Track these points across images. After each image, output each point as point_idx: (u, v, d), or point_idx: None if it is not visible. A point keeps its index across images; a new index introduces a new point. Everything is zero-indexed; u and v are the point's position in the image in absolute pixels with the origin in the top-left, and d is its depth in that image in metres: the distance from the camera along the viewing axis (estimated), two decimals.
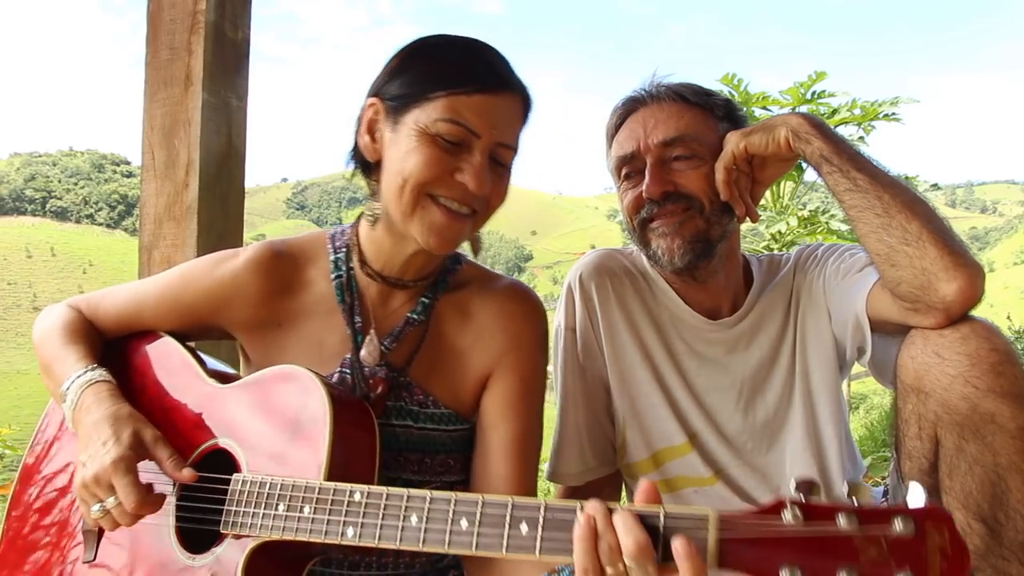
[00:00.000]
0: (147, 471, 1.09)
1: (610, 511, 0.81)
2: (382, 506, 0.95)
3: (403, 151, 1.12)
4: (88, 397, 1.15)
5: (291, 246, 1.32)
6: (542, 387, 1.29)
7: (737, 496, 1.48)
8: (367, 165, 1.21)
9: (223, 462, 1.12)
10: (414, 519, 0.92)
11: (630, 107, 1.50)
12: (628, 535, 0.78)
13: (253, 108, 2.00)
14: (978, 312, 1.16)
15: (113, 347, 1.32)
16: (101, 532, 1.18)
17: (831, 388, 1.44)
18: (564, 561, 0.84)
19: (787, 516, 0.74)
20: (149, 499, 1.05)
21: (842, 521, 0.72)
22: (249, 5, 2.01)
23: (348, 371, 1.22)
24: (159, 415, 1.19)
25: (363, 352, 1.22)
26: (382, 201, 1.19)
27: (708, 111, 1.46)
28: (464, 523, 0.89)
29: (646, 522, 0.80)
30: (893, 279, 1.16)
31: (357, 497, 0.97)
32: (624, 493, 1.69)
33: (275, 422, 1.10)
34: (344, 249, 1.29)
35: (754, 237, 4.84)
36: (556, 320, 1.62)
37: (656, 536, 0.79)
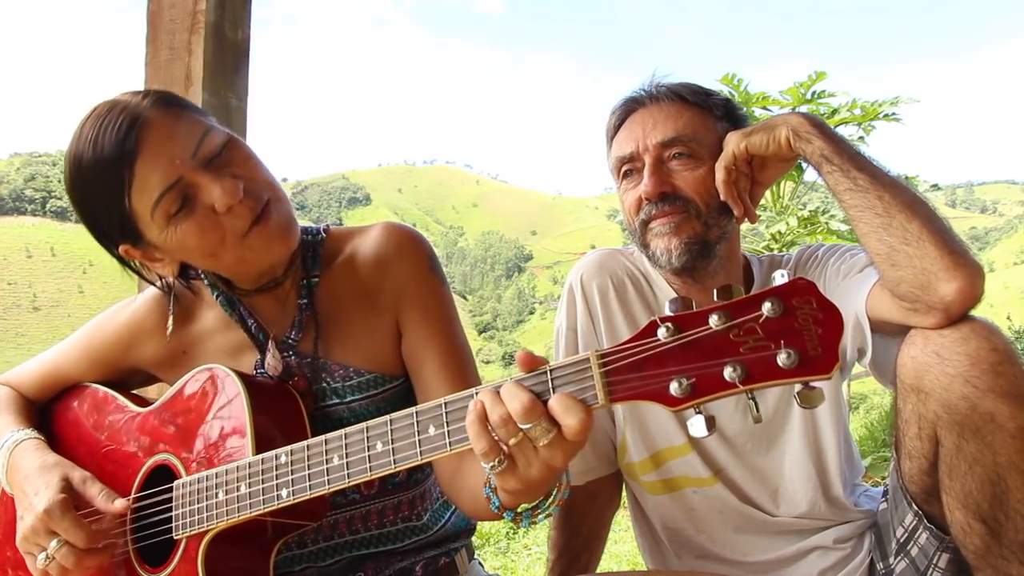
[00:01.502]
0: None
1: (497, 388, 0.83)
2: (306, 458, 0.99)
3: (180, 251, 1.11)
4: (16, 457, 1.19)
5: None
6: (448, 307, 1.27)
7: (736, 496, 1.48)
8: (181, 275, 1.23)
9: (169, 476, 1.14)
10: (336, 459, 0.96)
11: (629, 107, 1.50)
12: (513, 400, 0.80)
13: (253, 108, 2.00)
14: (978, 312, 1.15)
15: (44, 410, 1.37)
16: None
17: (830, 389, 1.44)
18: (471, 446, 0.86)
19: (662, 333, 0.75)
20: (95, 534, 1.08)
21: (714, 321, 0.73)
22: (249, 5, 2.01)
23: (263, 371, 1.25)
24: (100, 456, 1.23)
25: (267, 363, 1.24)
26: (223, 275, 1.22)
27: (707, 111, 1.46)
28: (379, 446, 0.92)
29: (534, 385, 0.82)
30: (893, 279, 1.16)
31: (283, 459, 1.01)
32: (625, 493, 1.69)
33: (198, 421, 1.14)
34: (207, 278, 1.29)
35: (754, 237, 4.84)
36: (557, 320, 1.62)
37: (547, 395, 0.81)
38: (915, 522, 1.29)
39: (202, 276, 1.30)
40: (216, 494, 1.05)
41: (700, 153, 1.42)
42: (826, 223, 4.35)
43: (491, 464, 0.83)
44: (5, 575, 1.28)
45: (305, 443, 0.99)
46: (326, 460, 0.97)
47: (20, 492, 1.14)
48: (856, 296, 1.29)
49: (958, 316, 1.12)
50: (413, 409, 0.91)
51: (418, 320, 1.23)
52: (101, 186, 1.07)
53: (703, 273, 1.46)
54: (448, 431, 0.87)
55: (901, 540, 1.33)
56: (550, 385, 0.81)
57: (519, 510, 0.95)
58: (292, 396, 1.17)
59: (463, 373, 1.21)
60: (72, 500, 1.10)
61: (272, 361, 1.24)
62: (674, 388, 0.74)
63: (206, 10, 1.87)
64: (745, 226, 1.58)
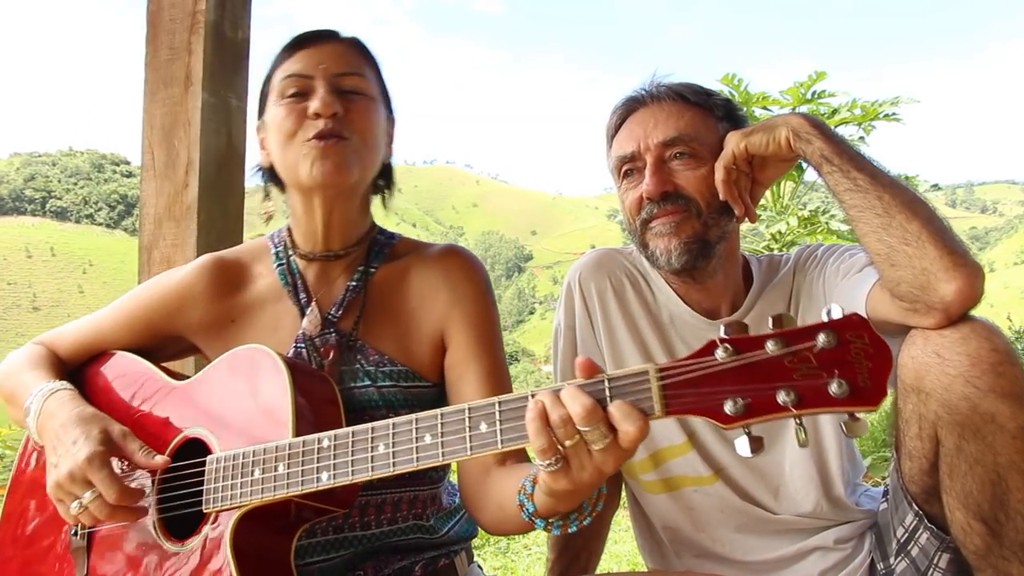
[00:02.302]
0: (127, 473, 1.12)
1: (556, 391, 0.86)
2: (350, 443, 0.99)
3: (272, 124, 1.27)
4: (51, 404, 1.20)
5: (234, 251, 1.43)
6: (496, 330, 1.33)
7: (736, 495, 1.48)
8: (270, 175, 1.34)
9: (199, 451, 1.14)
10: (381, 447, 0.97)
11: (630, 107, 1.50)
12: (574, 402, 0.83)
13: (253, 108, 2.00)
14: (978, 312, 1.15)
15: (75, 375, 1.35)
16: (90, 546, 1.20)
17: None
18: (524, 445, 0.89)
19: (720, 354, 0.78)
20: (128, 489, 1.09)
21: (770, 346, 0.76)
22: (249, 5, 2.01)
23: (302, 345, 1.28)
24: (130, 423, 1.22)
25: (305, 322, 1.28)
26: (285, 183, 1.30)
27: (708, 111, 1.46)
28: (428, 438, 0.94)
29: (592, 391, 0.84)
30: (893, 279, 1.16)
31: (325, 443, 1.01)
32: (624, 493, 1.69)
33: (237, 399, 1.14)
34: (281, 244, 1.37)
35: (754, 237, 4.85)
36: (556, 319, 1.62)
37: (604, 401, 0.84)
38: (915, 522, 1.29)
39: (272, 243, 1.37)
40: (252, 472, 1.05)
41: (701, 153, 1.41)
42: (826, 223, 4.35)
43: (547, 462, 0.86)
44: (25, 522, 1.27)
45: (350, 429, 1.00)
46: (371, 448, 0.97)
47: (55, 439, 1.14)
48: (855, 296, 1.29)
49: (957, 316, 1.12)
50: (465, 405, 0.93)
51: (467, 336, 1.29)
52: (275, 59, 1.30)
53: (702, 273, 1.46)
54: (500, 428, 0.89)
55: (902, 540, 1.33)
56: (607, 393, 0.84)
57: (551, 520, 0.97)
58: (330, 384, 1.19)
59: (501, 389, 1.26)
60: (109, 454, 1.10)
61: (312, 318, 1.28)
62: (728, 407, 0.77)
63: (206, 10, 1.87)
64: (745, 226, 1.58)
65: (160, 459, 1.12)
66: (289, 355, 1.27)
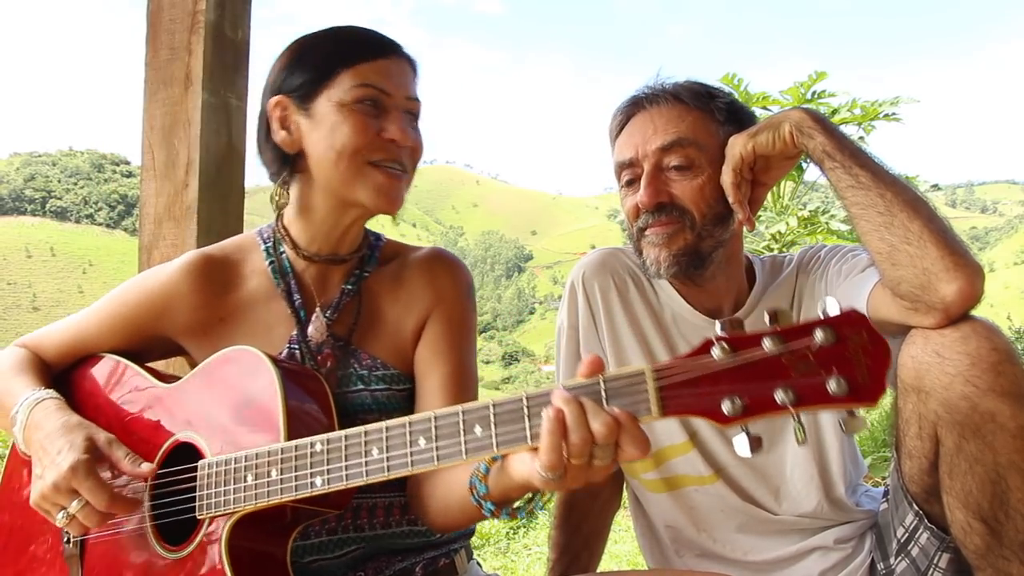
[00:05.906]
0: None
1: (576, 399, 0.82)
2: (343, 447, 0.99)
3: (327, 129, 1.20)
4: (37, 414, 1.18)
5: (221, 247, 1.38)
6: (470, 333, 1.35)
7: (737, 495, 1.48)
8: (285, 159, 1.26)
9: (190, 455, 1.14)
10: (375, 451, 0.96)
11: (630, 111, 1.49)
12: (596, 420, 0.81)
13: (253, 108, 2.00)
14: (978, 312, 1.15)
15: (61, 378, 1.33)
16: (83, 553, 1.19)
17: None
18: (520, 449, 0.87)
19: (716, 352, 0.77)
20: (117, 496, 1.08)
21: (767, 344, 0.76)
22: (249, 5, 2.01)
23: (296, 346, 1.27)
24: (118, 428, 1.21)
25: (311, 329, 1.28)
26: (317, 182, 1.25)
27: (709, 114, 1.44)
28: (422, 441, 0.93)
29: (589, 393, 0.83)
30: (894, 278, 1.16)
31: (318, 447, 1.00)
32: (626, 492, 1.69)
33: (228, 403, 1.14)
34: (271, 240, 1.35)
35: (754, 237, 4.84)
36: (559, 319, 1.62)
37: (600, 402, 0.83)
38: (916, 522, 1.29)
39: (261, 239, 1.34)
40: (245, 477, 1.04)
41: (699, 161, 1.40)
42: (826, 223, 4.35)
43: (551, 476, 0.84)
44: (16, 530, 1.26)
45: (342, 433, 0.99)
46: (365, 452, 0.97)
47: (40, 450, 1.13)
48: (857, 296, 1.29)
49: (958, 316, 1.12)
50: (459, 407, 0.91)
51: (439, 334, 1.30)
52: (342, 39, 1.26)
53: (700, 278, 1.46)
54: (495, 432, 0.88)
55: (902, 540, 1.33)
56: (603, 395, 0.83)
57: (503, 506, 0.97)
58: (320, 382, 1.18)
59: (464, 397, 1.25)
60: (94, 461, 1.09)
61: (318, 326, 1.27)
62: (726, 407, 0.77)
63: (206, 10, 1.87)
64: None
65: (147, 467, 1.11)
66: (282, 355, 1.26)
